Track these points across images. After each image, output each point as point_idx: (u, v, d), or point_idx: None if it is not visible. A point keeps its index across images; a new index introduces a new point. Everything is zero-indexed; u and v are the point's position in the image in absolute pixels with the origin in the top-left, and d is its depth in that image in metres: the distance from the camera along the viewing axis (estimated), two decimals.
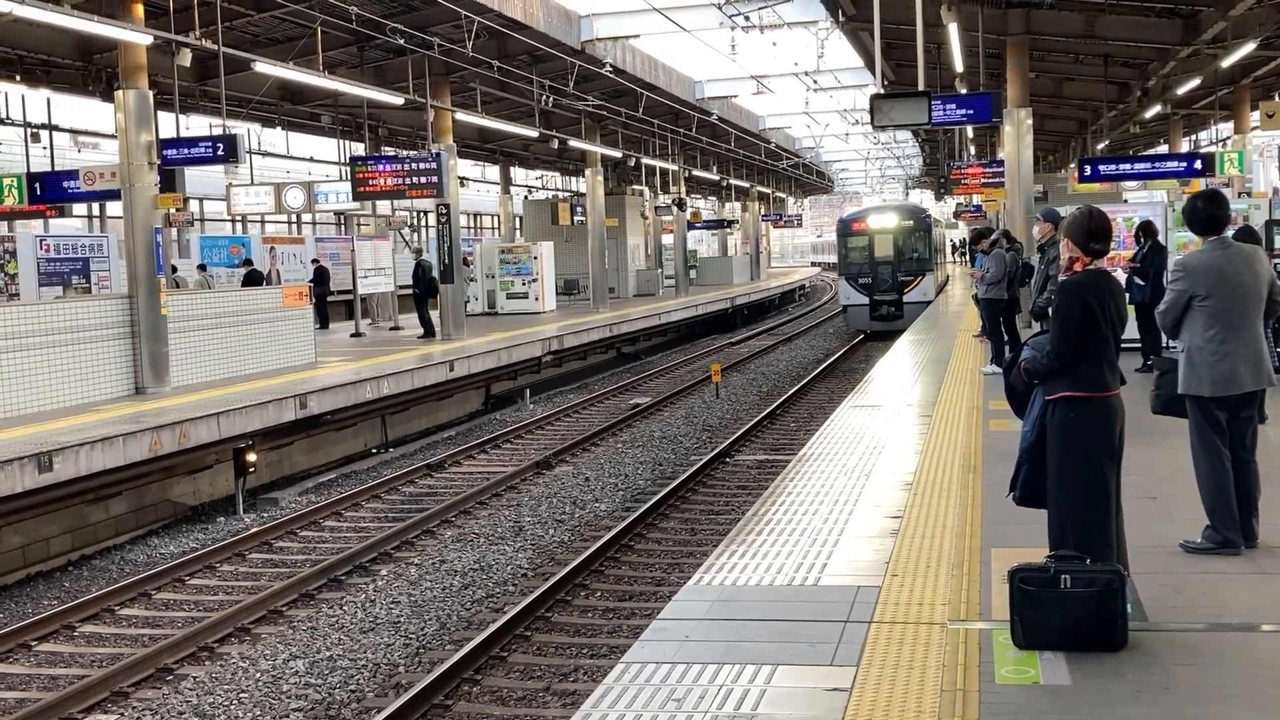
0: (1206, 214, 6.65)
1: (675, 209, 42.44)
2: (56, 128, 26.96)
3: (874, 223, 34.15)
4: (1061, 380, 5.51)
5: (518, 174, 46.70)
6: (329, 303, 29.68)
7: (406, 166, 21.82)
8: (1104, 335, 5.51)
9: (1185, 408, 6.61)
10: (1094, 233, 5.61)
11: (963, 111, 16.78)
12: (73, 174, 18.11)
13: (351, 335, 25.94)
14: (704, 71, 35.73)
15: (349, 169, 23.29)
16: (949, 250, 61.89)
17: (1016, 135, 21.05)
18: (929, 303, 31.94)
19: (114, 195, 17.20)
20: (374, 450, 18.45)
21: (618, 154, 35.96)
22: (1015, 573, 5.25)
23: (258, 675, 8.81)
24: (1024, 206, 20.75)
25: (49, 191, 18.28)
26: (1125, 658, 5.08)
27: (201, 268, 26.91)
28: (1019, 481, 5.72)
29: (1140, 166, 24.31)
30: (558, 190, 50.45)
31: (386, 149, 30.06)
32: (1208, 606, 5.74)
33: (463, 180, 36.89)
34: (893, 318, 32.43)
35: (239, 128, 26.35)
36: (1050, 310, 5.66)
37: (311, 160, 36.34)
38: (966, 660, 5.15)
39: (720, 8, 23.34)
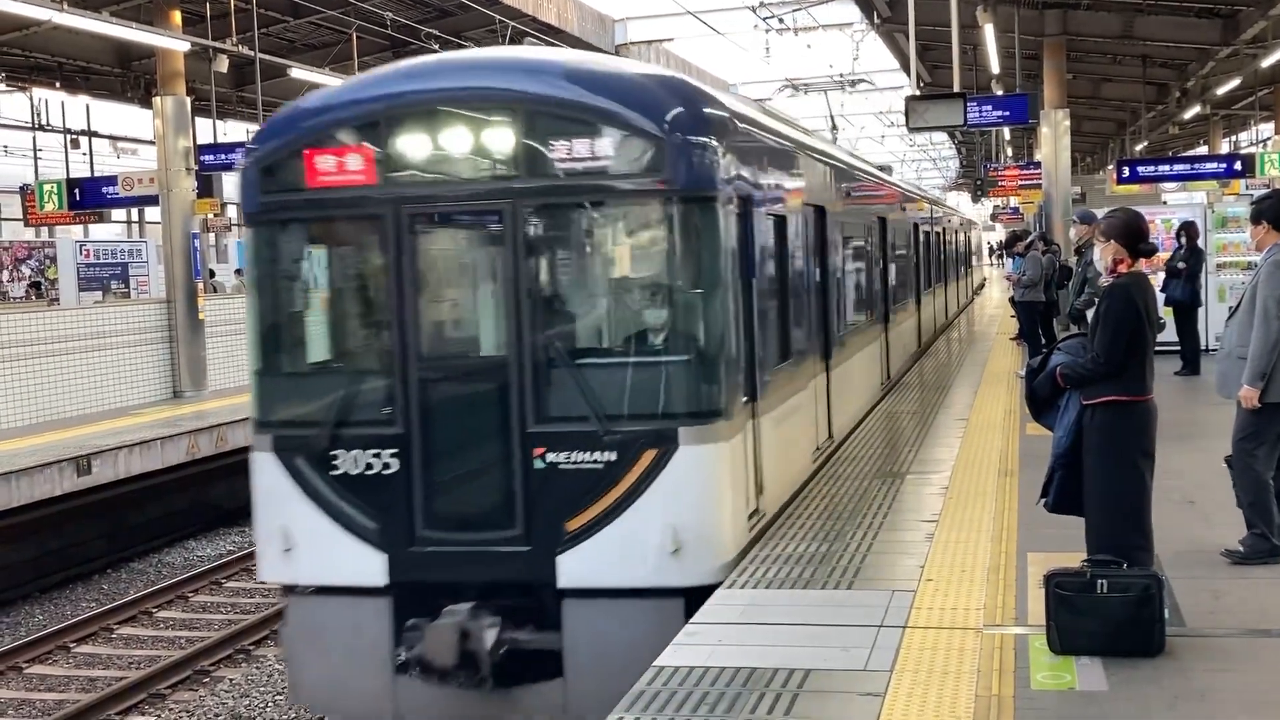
0: None
1: None
2: (96, 134, 27.20)
3: (412, 144, 6.49)
4: (1105, 385, 5.42)
5: None
6: None
7: None
8: (1147, 339, 5.46)
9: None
10: (1142, 234, 5.58)
11: (999, 113, 16.65)
12: (111, 180, 18.29)
13: None
14: (738, 74, 35.79)
15: None
16: (985, 252, 58.65)
17: (1054, 136, 20.88)
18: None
19: (152, 201, 17.36)
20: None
21: None
22: (1051, 577, 5.19)
23: None
24: (1062, 208, 20.59)
25: (88, 197, 18.44)
26: (1162, 663, 5.02)
27: (239, 272, 27.08)
28: (1052, 488, 5.65)
29: (1179, 168, 24.09)
30: None
31: None
32: (1246, 612, 5.67)
33: None
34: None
35: None
36: (1095, 314, 5.53)
37: None
38: (1002, 665, 5.10)
39: (754, 11, 23.31)
